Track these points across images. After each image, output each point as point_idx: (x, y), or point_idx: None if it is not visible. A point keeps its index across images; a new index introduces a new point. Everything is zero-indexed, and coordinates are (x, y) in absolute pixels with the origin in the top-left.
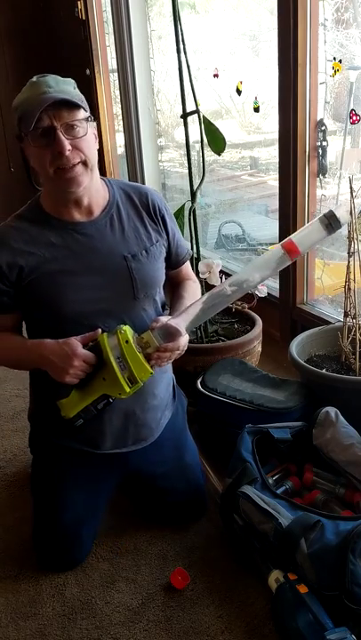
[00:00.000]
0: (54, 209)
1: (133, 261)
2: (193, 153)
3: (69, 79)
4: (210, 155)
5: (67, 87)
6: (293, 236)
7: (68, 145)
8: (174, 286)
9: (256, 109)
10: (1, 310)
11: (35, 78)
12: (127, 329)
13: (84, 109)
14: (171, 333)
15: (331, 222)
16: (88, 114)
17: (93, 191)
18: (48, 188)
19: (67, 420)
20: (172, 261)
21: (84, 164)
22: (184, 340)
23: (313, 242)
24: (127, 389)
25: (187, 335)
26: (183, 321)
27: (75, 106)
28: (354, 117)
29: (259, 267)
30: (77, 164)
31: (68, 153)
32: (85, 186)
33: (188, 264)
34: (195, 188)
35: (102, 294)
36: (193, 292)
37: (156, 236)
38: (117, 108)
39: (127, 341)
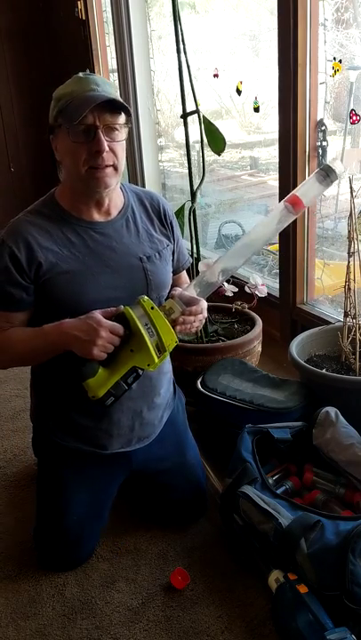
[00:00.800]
0: (73, 206)
1: (148, 263)
2: (193, 153)
3: (110, 82)
4: (210, 155)
5: (111, 89)
6: (296, 191)
7: (106, 146)
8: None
9: (256, 109)
10: (18, 307)
11: (81, 74)
12: (147, 298)
13: (127, 114)
14: (189, 300)
15: (328, 174)
16: (127, 120)
17: (114, 194)
18: (73, 185)
19: (95, 400)
20: (174, 267)
21: (115, 167)
22: (204, 304)
23: (314, 195)
24: (156, 359)
25: (204, 301)
26: (196, 290)
27: (120, 109)
28: (354, 117)
29: (265, 224)
30: (109, 166)
31: (105, 153)
32: (111, 189)
33: (185, 272)
34: (195, 188)
35: (118, 294)
36: None
37: (166, 240)
38: None
39: (152, 307)
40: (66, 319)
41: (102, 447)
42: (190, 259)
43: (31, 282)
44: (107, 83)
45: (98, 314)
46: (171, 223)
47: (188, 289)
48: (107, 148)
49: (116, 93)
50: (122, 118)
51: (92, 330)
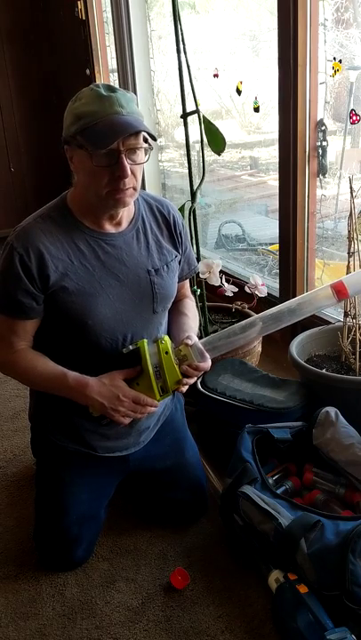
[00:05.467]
0: (85, 215)
1: (156, 276)
2: (193, 153)
3: (133, 94)
4: (210, 155)
5: (135, 107)
6: (344, 278)
7: (129, 171)
8: (173, 302)
9: (256, 109)
10: (28, 315)
11: (103, 90)
12: (167, 339)
13: (149, 136)
14: (201, 354)
15: None
16: (148, 141)
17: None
18: (87, 198)
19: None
20: (178, 275)
21: (134, 188)
22: (210, 364)
23: None
24: (158, 397)
25: (210, 360)
26: (206, 347)
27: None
28: (354, 117)
29: (302, 301)
30: (129, 188)
31: (127, 179)
32: (128, 207)
33: (187, 280)
34: (195, 188)
35: (125, 307)
36: (194, 312)
37: (175, 251)
38: None
39: (167, 352)
40: (89, 378)
41: (99, 449)
42: (197, 267)
43: (41, 291)
44: (131, 100)
45: (121, 380)
46: (180, 233)
47: (203, 340)
48: (129, 174)
49: (139, 111)
50: (143, 139)
51: (115, 399)
